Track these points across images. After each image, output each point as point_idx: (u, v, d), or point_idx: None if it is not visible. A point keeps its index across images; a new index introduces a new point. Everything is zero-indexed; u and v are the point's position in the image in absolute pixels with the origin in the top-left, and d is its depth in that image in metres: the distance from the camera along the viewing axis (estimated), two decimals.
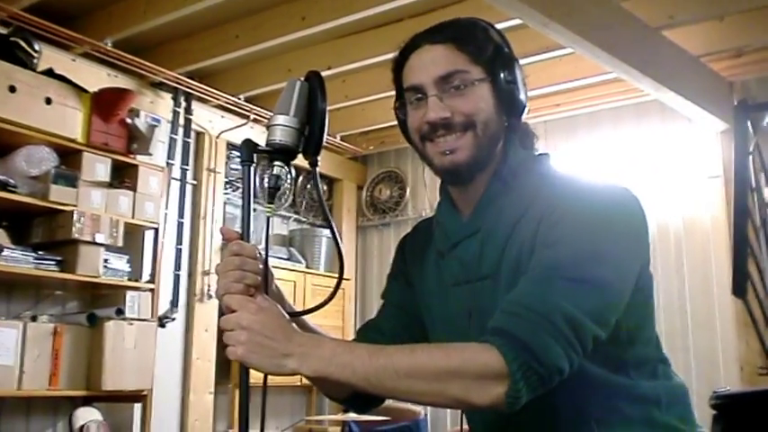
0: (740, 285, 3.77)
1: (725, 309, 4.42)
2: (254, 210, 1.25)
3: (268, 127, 1.24)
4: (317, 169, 1.27)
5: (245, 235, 1.21)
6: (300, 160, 1.27)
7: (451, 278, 1.32)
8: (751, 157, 4.20)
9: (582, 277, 1.11)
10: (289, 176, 1.27)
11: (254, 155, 1.22)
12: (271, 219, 1.27)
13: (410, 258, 1.46)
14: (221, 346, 4.87)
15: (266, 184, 1.23)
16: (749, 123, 4.20)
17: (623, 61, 3.65)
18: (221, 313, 1.17)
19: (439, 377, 1.08)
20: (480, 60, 1.27)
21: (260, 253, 1.21)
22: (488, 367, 1.06)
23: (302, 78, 1.27)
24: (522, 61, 4.03)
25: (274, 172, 1.23)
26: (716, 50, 4.25)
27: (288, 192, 5.49)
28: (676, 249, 4.67)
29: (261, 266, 1.19)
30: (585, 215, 1.17)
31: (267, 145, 1.23)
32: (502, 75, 1.27)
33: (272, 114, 1.24)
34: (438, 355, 1.10)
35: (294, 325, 1.17)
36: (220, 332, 4.21)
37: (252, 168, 1.22)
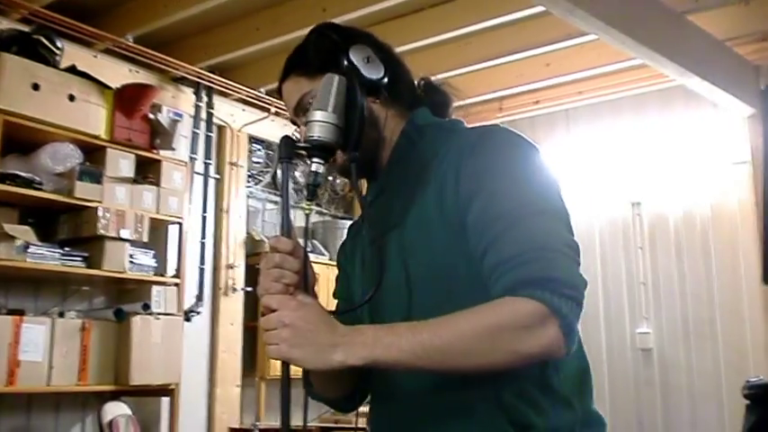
0: None
1: (753, 296, 4.37)
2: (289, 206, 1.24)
3: (306, 123, 1.22)
4: (355, 165, 1.26)
5: (284, 232, 1.20)
6: None
7: (369, 238, 1.33)
8: None
9: (545, 208, 1.15)
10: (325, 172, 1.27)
11: (293, 152, 1.21)
12: (310, 215, 1.25)
13: (348, 253, 1.48)
14: (247, 338, 4.89)
15: (305, 181, 1.22)
16: None
17: (648, 47, 3.60)
18: (262, 313, 1.16)
19: (485, 336, 1.08)
20: (318, 72, 1.29)
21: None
22: (532, 314, 1.07)
23: (339, 74, 1.25)
24: (543, 49, 4.00)
25: (313, 169, 1.21)
26: (741, 34, 4.19)
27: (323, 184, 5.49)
28: (703, 236, 4.62)
29: (301, 265, 1.18)
30: (512, 154, 1.21)
31: (306, 141, 1.21)
32: (342, 69, 1.28)
33: (309, 111, 1.23)
34: (478, 317, 1.09)
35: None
36: (247, 326, 4.22)
37: (290, 165, 1.20)
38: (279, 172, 4.71)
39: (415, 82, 1.42)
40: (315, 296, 1.28)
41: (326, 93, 1.22)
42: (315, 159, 1.21)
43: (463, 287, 1.18)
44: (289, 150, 1.20)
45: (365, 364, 1.11)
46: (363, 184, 1.41)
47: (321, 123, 1.20)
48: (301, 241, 1.24)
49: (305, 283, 1.20)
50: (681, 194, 4.71)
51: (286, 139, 1.21)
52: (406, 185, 1.28)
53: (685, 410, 4.54)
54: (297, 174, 4.58)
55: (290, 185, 1.22)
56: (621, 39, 3.49)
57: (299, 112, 1.33)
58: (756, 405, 2.34)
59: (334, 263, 5.40)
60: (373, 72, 1.30)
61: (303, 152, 1.22)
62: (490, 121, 3.96)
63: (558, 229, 1.15)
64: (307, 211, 1.26)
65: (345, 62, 1.28)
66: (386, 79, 1.32)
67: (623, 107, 4.99)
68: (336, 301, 1.49)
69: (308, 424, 4.91)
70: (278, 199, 5.06)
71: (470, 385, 1.16)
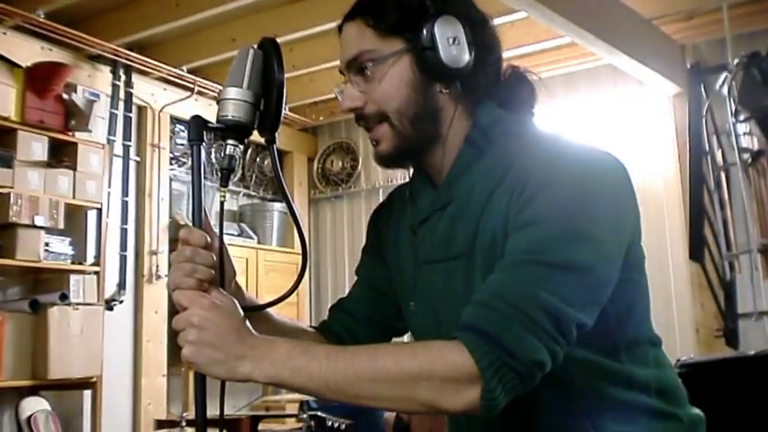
0: (697, 250, 3.78)
1: (679, 272, 4.44)
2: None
3: (218, 101, 1.11)
4: (275, 147, 1.16)
5: (195, 221, 1.10)
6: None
7: (424, 256, 1.20)
8: (704, 121, 4.20)
9: (560, 261, 1.00)
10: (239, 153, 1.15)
11: (204, 133, 1.10)
12: (224, 202, 1.15)
13: (384, 231, 1.33)
14: (173, 328, 4.77)
15: (218, 165, 1.11)
16: (702, 87, 4.19)
17: (577, 25, 3.59)
18: (175, 311, 1.05)
19: (404, 381, 0.97)
20: (390, 33, 1.15)
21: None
22: (457, 368, 0.96)
23: (255, 46, 1.14)
24: None
25: (227, 152, 1.11)
26: (668, 13, 4.22)
27: (237, 167, 5.35)
28: None
29: (215, 258, 1.08)
30: (563, 188, 1.05)
31: (218, 122, 1.10)
32: (420, 41, 1.13)
33: (221, 87, 1.12)
34: (402, 356, 0.99)
35: (248, 323, 1.06)
36: (172, 313, 4.07)
37: (201, 148, 1.10)
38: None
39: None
40: (237, 290, 1.19)
41: (241, 67, 1.10)
42: (229, 141, 1.11)
43: None
44: (199, 131, 1.09)
45: (272, 382, 1.02)
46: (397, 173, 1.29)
47: (235, 101, 1.09)
48: (217, 230, 1.13)
49: (221, 278, 1.10)
50: None
51: (196, 119, 1.10)
52: (472, 206, 1.13)
53: None
54: (220, 155, 4.44)
55: (207, 164, 1.11)
56: (550, 16, 3.47)
57: (352, 69, 1.17)
58: (688, 384, 2.34)
59: (264, 247, 5.22)
60: (454, 57, 1.12)
61: (216, 132, 1.11)
62: None
63: (554, 291, 0.99)
64: (222, 198, 1.14)
65: (425, 34, 1.12)
66: (467, 68, 1.14)
67: (553, 86, 4.98)
68: (357, 278, 1.39)
69: (239, 412, 4.82)
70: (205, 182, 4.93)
71: (564, 414, 1.10)
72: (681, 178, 4.36)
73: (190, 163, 5.00)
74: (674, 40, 4.39)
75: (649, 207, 4.60)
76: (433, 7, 1.14)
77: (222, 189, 1.13)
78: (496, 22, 4.15)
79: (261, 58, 1.13)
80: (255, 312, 1.19)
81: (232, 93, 1.10)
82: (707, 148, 4.24)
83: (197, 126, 1.09)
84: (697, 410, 1.22)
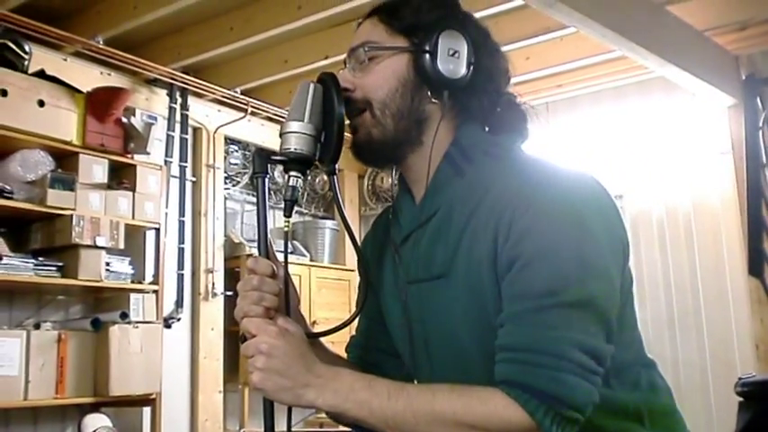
0: (756, 265, 3.71)
1: (737, 287, 4.35)
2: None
3: (281, 135, 1.15)
4: (336, 177, 1.19)
5: (261, 250, 1.13)
6: None
7: (407, 275, 1.21)
8: (760, 132, 4.12)
9: (578, 299, 1.01)
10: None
11: (268, 165, 1.14)
12: (288, 232, 1.18)
13: (370, 258, 1.33)
14: (228, 343, 4.81)
15: (283, 196, 1.14)
16: (758, 98, 4.12)
17: (628, 39, 3.56)
18: (242, 338, 1.09)
19: (461, 429, 1.00)
20: (400, 32, 1.19)
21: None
22: (516, 424, 0.99)
23: (315, 81, 1.18)
24: (523, 43, 3.89)
25: (290, 183, 1.14)
26: (721, 24, 4.15)
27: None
28: (686, 228, 4.60)
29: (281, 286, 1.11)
30: (560, 219, 1.04)
31: (281, 154, 1.14)
32: (423, 45, 1.16)
33: (284, 120, 1.16)
34: (458, 405, 1.01)
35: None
36: (228, 330, 4.11)
37: (266, 180, 1.13)
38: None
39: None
40: (299, 317, 1.22)
41: (302, 101, 1.14)
42: (292, 173, 1.14)
43: None
44: (263, 164, 1.13)
45: (333, 411, 1.06)
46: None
47: (298, 134, 1.13)
48: (281, 258, 1.17)
49: (286, 305, 1.13)
50: (663, 187, 4.69)
51: (260, 151, 1.14)
52: (452, 226, 1.14)
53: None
54: (275, 174, 4.51)
55: (268, 187, 1.15)
56: (601, 31, 3.45)
57: (353, 56, 1.21)
58: (750, 403, 2.30)
59: (316, 264, 5.27)
60: (450, 69, 1.16)
61: (279, 165, 1.14)
62: None
63: (584, 329, 1.01)
64: (285, 228, 1.17)
65: (429, 42, 1.16)
66: (458, 83, 1.17)
67: (603, 99, 4.95)
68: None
69: (293, 429, 4.86)
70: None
71: None
72: (738, 192, 4.27)
73: (249, 181, 5.10)
74: (728, 52, 4.32)
75: (706, 222, 4.53)
76: (447, 21, 1.18)
77: (286, 219, 1.16)
78: (547, 37, 4.11)
79: (321, 92, 1.16)
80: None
81: (294, 126, 1.13)
82: (764, 161, 4.16)
83: (261, 159, 1.13)
84: None
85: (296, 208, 5.60)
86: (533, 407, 0.97)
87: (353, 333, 1.40)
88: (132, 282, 4.05)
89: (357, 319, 1.36)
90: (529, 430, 0.98)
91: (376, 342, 1.33)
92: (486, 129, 1.23)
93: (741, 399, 2.36)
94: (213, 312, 4.73)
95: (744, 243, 4.17)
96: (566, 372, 0.98)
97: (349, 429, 1.13)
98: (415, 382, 1.23)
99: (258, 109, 4.93)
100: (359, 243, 1.28)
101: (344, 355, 1.37)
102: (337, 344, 1.40)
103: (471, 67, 1.18)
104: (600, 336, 1.02)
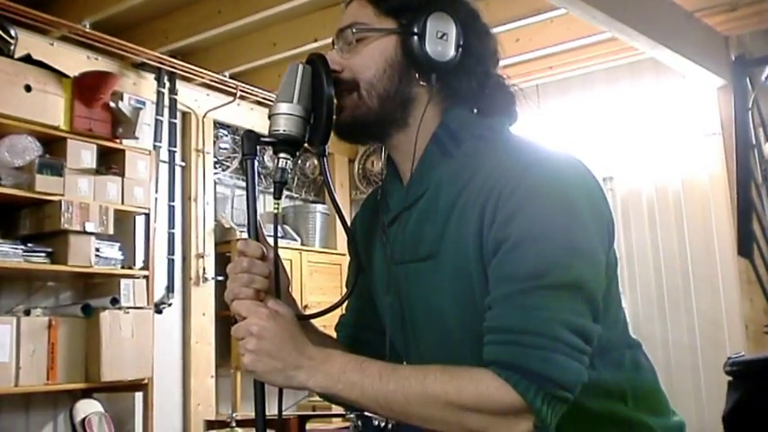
0: (746, 245, 3.73)
1: (727, 267, 4.38)
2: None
3: (270, 116, 1.14)
4: (326, 158, 1.19)
5: (250, 233, 1.13)
6: None
7: (394, 256, 1.21)
8: (750, 113, 4.13)
9: (566, 281, 1.01)
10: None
11: (257, 147, 1.13)
12: (278, 214, 1.17)
13: (360, 237, 1.32)
14: (220, 328, 4.81)
15: (272, 178, 1.13)
16: (748, 79, 4.12)
17: (618, 20, 3.55)
18: (233, 320, 1.09)
19: (453, 409, 1.00)
20: (387, 13, 1.18)
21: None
22: (507, 404, 0.98)
23: (304, 62, 1.17)
24: (512, 24, 3.87)
25: (279, 165, 1.13)
26: (710, 5, 4.15)
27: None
28: (676, 209, 4.62)
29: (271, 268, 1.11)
30: (547, 201, 1.04)
31: (270, 136, 1.13)
32: (412, 27, 1.15)
33: (273, 102, 1.15)
34: (450, 385, 1.01)
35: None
36: (219, 315, 4.11)
37: (255, 162, 1.13)
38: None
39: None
40: (290, 299, 1.22)
41: (290, 83, 1.13)
42: (281, 155, 1.13)
43: None
44: (252, 146, 1.12)
45: (325, 393, 1.06)
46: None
47: (287, 116, 1.12)
48: (271, 241, 1.16)
49: (276, 287, 1.13)
50: (652, 168, 4.70)
51: (248, 133, 1.13)
52: (439, 207, 1.14)
53: (662, 383, 4.54)
54: (265, 158, 4.49)
55: (257, 171, 1.14)
56: (591, 12, 3.44)
57: (341, 38, 1.20)
58: (739, 382, 2.31)
59: (307, 248, 5.26)
60: (438, 51, 1.15)
61: (268, 146, 1.13)
62: None
63: (572, 310, 1.01)
64: (275, 211, 1.17)
65: (417, 23, 1.15)
66: (447, 65, 1.16)
67: (594, 81, 4.95)
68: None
69: (285, 413, 4.87)
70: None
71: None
72: (727, 172, 4.29)
73: (239, 166, 5.08)
74: (718, 32, 4.32)
75: (695, 202, 4.55)
76: (436, 3, 1.17)
77: (276, 201, 1.15)
78: (537, 18, 4.11)
79: (309, 73, 1.15)
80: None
81: (283, 108, 1.12)
82: (753, 141, 4.17)
83: (250, 141, 1.12)
84: (678, 417, 1.21)
85: (286, 192, 5.61)
86: (524, 387, 0.97)
87: (343, 312, 1.40)
88: (122, 267, 4.04)
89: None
90: (520, 410, 0.98)
91: (366, 320, 1.33)
92: (475, 111, 1.22)
93: (730, 378, 2.37)
94: (204, 297, 4.73)
95: (733, 224, 4.19)
96: (555, 352, 0.98)
97: (341, 410, 1.14)
98: (405, 363, 1.23)
99: (247, 93, 4.91)
100: (349, 226, 1.27)
101: (334, 335, 1.36)
102: (329, 327, 1.40)
103: (460, 50, 1.17)
104: (587, 316, 1.03)
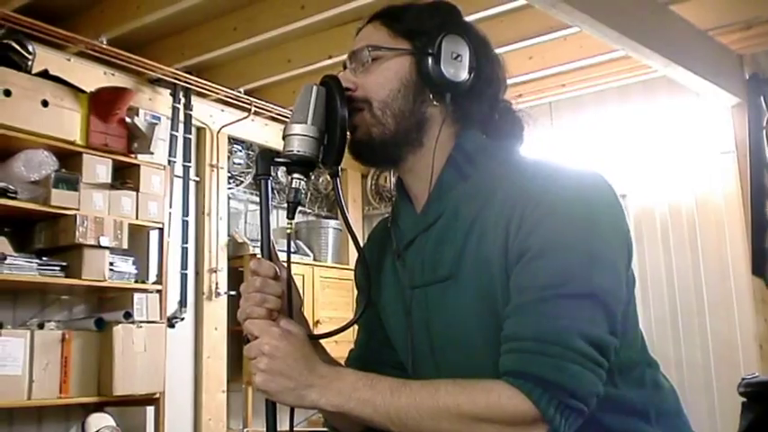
0: (760, 264, 3.71)
1: (741, 286, 4.34)
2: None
3: (284, 137, 1.15)
4: (339, 179, 1.20)
5: (264, 252, 1.14)
6: None
7: (409, 280, 1.21)
8: (764, 132, 4.12)
9: (584, 291, 1.01)
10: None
11: (271, 167, 1.14)
12: (291, 235, 1.18)
13: (373, 271, 1.31)
14: (232, 343, 4.81)
15: (286, 198, 1.14)
16: (762, 97, 4.11)
17: (631, 38, 3.55)
18: (246, 339, 1.09)
19: (467, 421, 1.00)
20: (401, 34, 1.19)
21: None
22: (520, 414, 0.98)
23: (318, 83, 1.18)
24: (525, 42, 3.89)
25: (293, 185, 1.14)
26: (724, 24, 4.15)
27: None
28: (689, 227, 4.59)
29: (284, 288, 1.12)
30: (569, 213, 1.05)
31: (284, 156, 1.14)
32: (426, 48, 1.17)
33: (287, 122, 1.16)
34: (461, 398, 1.01)
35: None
36: (231, 330, 4.11)
37: (269, 182, 1.14)
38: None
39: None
40: (302, 319, 1.22)
41: (305, 104, 1.15)
42: (295, 175, 1.15)
43: None
44: (266, 166, 1.13)
45: (337, 411, 1.05)
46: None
47: (301, 136, 1.13)
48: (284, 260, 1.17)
49: (289, 307, 1.13)
50: (666, 186, 4.68)
51: (262, 153, 1.14)
52: (458, 228, 1.14)
53: None
54: (278, 174, 4.51)
55: (271, 188, 1.15)
56: (604, 30, 3.44)
57: (354, 58, 1.22)
58: (753, 403, 2.30)
59: (319, 263, 5.25)
60: (453, 72, 1.17)
61: (282, 167, 1.15)
62: None
63: (590, 320, 1.01)
64: (288, 230, 1.18)
65: (432, 44, 1.17)
66: (461, 87, 1.18)
67: (607, 99, 4.95)
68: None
69: (295, 429, 4.86)
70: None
71: None
72: (741, 191, 4.26)
73: (252, 181, 5.10)
74: (732, 51, 4.32)
75: (709, 221, 4.52)
76: (450, 27, 1.19)
77: (289, 222, 1.16)
78: (551, 36, 4.12)
79: (324, 94, 1.17)
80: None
81: (297, 128, 1.14)
82: None
83: (264, 161, 1.14)
84: None
85: (299, 208, 5.59)
86: (537, 395, 0.97)
87: (352, 347, 1.39)
88: (136, 281, 4.06)
89: (357, 333, 1.37)
90: (533, 419, 0.98)
91: (376, 355, 1.33)
92: (484, 135, 1.24)
93: (744, 399, 2.36)
94: (217, 312, 4.74)
95: (747, 243, 4.17)
96: (569, 361, 0.98)
97: None
98: None
99: (261, 109, 4.94)
100: (361, 246, 1.27)
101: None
102: (341, 343, 1.40)
103: (473, 72, 1.19)
104: (605, 327, 1.02)
